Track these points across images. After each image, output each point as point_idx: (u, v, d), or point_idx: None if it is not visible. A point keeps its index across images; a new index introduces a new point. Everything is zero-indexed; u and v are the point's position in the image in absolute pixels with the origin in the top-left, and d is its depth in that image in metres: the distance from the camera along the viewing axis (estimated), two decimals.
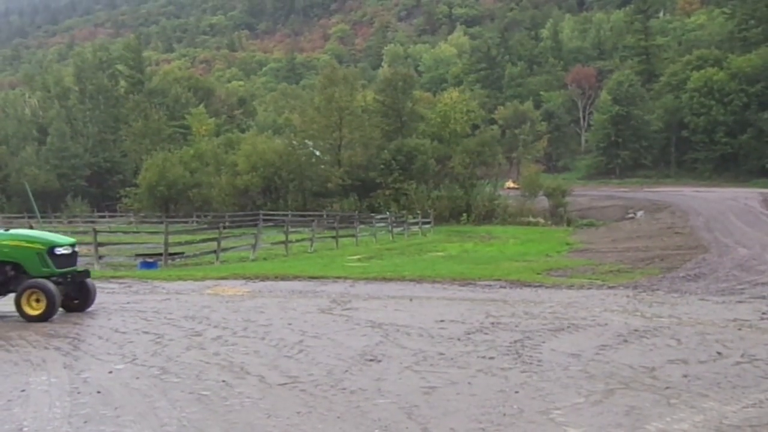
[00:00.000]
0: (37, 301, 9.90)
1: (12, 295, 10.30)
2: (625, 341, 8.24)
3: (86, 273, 11.01)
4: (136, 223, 50.45)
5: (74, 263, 10.85)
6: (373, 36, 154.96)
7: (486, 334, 8.72)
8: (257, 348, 8.03)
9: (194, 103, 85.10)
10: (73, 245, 10.91)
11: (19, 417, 5.52)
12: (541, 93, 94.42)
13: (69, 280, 10.56)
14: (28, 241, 10.52)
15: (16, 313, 10.04)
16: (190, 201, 55.39)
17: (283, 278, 15.61)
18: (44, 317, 9.80)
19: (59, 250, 10.50)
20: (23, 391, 6.26)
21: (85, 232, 25.02)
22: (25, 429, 5.25)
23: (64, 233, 14.04)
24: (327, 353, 7.68)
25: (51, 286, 9.99)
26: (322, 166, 53.70)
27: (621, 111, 78.74)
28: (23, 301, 9.93)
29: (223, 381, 6.53)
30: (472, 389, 6.21)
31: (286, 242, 26.00)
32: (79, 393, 6.18)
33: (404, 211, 45.25)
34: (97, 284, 14.06)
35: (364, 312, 10.40)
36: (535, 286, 13.81)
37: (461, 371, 6.83)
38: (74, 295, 10.67)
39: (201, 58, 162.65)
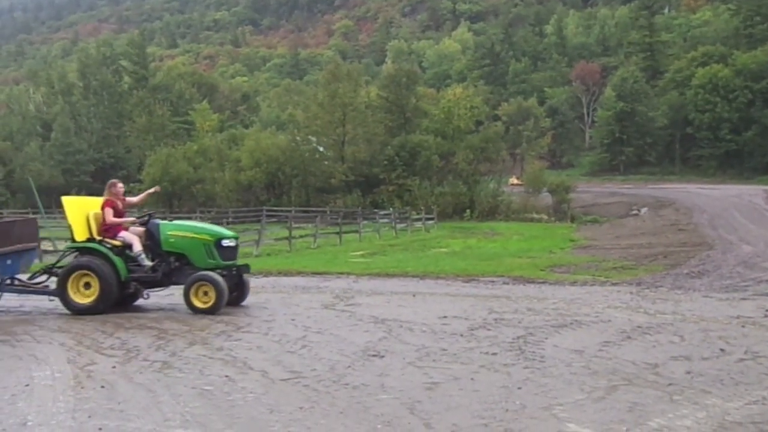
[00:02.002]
0: (205, 293, 9.85)
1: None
2: (628, 338, 8.24)
3: (247, 267, 10.90)
4: None
5: (236, 257, 10.75)
6: (377, 32, 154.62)
7: (489, 330, 8.73)
8: (260, 343, 8.04)
9: (198, 99, 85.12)
10: (236, 238, 10.81)
11: (23, 411, 5.54)
12: (545, 89, 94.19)
13: (234, 273, 10.48)
14: (195, 233, 10.46)
15: (15, 307, 10.06)
16: (194, 197, 55.43)
17: (287, 274, 15.65)
18: (212, 310, 9.74)
19: (226, 243, 10.42)
20: (27, 385, 6.28)
21: None
22: (30, 423, 5.27)
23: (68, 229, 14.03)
24: (330, 349, 7.69)
25: (220, 279, 9.91)
26: (326, 162, 53.68)
27: (625, 107, 78.51)
28: (192, 293, 9.88)
29: (226, 376, 6.55)
30: (475, 385, 6.22)
31: (289, 238, 26.02)
32: (83, 387, 6.20)
33: (408, 207, 45.22)
34: None
35: (367, 308, 10.42)
36: (539, 283, 13.82)
37: (464, 367, 6.84)
38: (233, 288, 10.49)
39: (205, 53, 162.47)
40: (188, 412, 5.48)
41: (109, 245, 10.26)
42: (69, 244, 10.99)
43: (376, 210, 42.50)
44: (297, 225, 29.66)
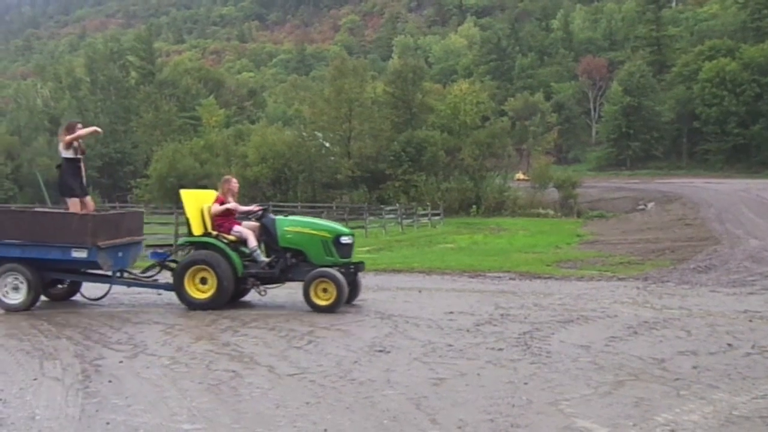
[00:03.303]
0: (324, 291, 9.69)
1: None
2: (635, 333, 8.24)
3: (362, 264, 10.68)
4: (146, 214, 50.57)
5: (352, 254, 10.54)
6: (383, 27, 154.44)
7: (495, 325, 8.73)
8: (267, 338, 8.06)
9: (204, 95, 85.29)
10: (353, 235, 10.66)
11: (31, 405, 5.57)
12: (552, 84, 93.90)
13: (351, 270, 10.25)
14: (313, 229, 10.29)
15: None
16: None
17: None
18: (333, 307, 9.57)
19: (344, 239, 10.24)
20: (35, 379, 6.32)
21: None
22: (38, 417, 5.30)
23: None
24: (336, 344, 7.71)
25: (340, 276, 9.72)
26: (332, 158, 53.68)
27: (632, 102, 78.23)
28: (311, 290, 9.74)
29: (233, 371, 6.57)
30: (481, 380, 6.23)
31: None
32: (90, 382, 6.23)
33: (414, 203, 45.20)
34: None
35: (373, 303, 10.44)
36: (545, 278, 13.81)
37: (470, 363, 6.85)
38: (348, 285, 10.14)
39: (211, 49, 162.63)
40: (195, 407, 5.50)
41: (225, 240, 10.13)
42: (184, 238, 10.89)
43: (382, 206, 42.47)
44: None
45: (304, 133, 54.68)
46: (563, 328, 8.51)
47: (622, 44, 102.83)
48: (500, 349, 7.41)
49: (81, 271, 10.67)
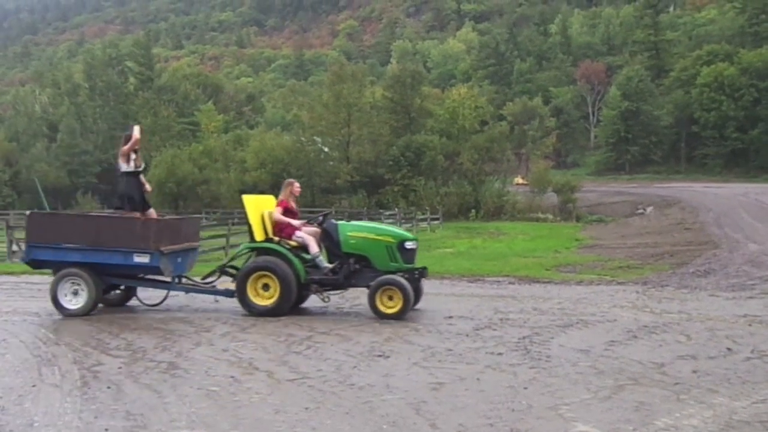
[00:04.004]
0: (390, 298, 9.50)
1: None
2: (635, 337, 8.23)
3: (425, 270, 10.44)
4: None
5: (415, 259, 10.32)
6: (382, 32, 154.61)
7: (494, 330, 8.73)
8: (266, 344, 8.06)
9: (203, 100, 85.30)
10: (416, 240, 10.49)
11: (30, 412, 5.55)
12: (550, 89, 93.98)
13: (416, 276, 10.09)
14: (377, 234, 10.10)
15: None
16: (199, 197, 55.49)
17: None
18: (399, 315, 9.38)
19: (408, 245, 10.05)
20: (34, 386, 6.30)
21: None
22: (36, 424, 5.28)
23: None
24: (335, 349, 7.70)
25: (406, 283, 9.53)
26: (331, 163, 53.67)
27: (630, 106, 78.32)
28: (377, 298, 9.53)
29: (232, 377, 6.56)
30: (481, 385, 6.22)
31: None
32: (89, 388, 6.21)
33: (413, 208, 45.17)
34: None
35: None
36: (544, 282, 13.81)
37: (470, 367, 6.84)
38: None
39: (210, 54, 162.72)
40: (194, 413, 5.49)
41: (287, 246, 10.01)
42: (246, 243, 10.74)
43: (381, 210, 42.46)
44: None
45: (303, 138, 54.70)
46: (563, 333, 8.51)
47: (621, 49, 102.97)
48: (500, 354, 7.41)
49: (139, 277, 10.57)
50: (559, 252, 22.71)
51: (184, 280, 10.63)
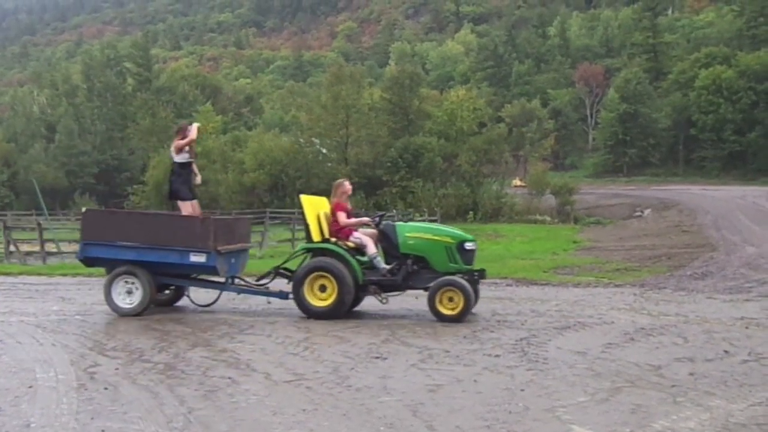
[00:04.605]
0: (450, 300, 9.34)
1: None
2: (632, 339, 8.24)
3: (484, 272, 10.22)
4: None
5: (473, 260, 10.11)
6: (380, 34, 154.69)
7: (492, 332, 8.73)
8: (263, 345, 8.05)
9: (201, 101, 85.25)
10: (476, 241, 10.35)
11: (26, 413, 5.54)
12: (549, 91, 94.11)
13: (475, 277, 9.90)
14: (436, 235, 9.96)
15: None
16: (198, 198, 55.45)
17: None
18: (460, 318, 9.25)
19: (468, 245, 9.90)
20: (30, 387, 6.29)
21: None
22: (33, 425, 5.27)
23: (72, 231, 14.08)
24: (333, 351, 7.70)
25: (467, 284, 9.40)
26: (329, 164, 53.67)
27: (629, 109, 78.46)
28: (437, 299, 9.37)
29: (230, 378, 6.55)
30: (478, 387, 6.22)
31: (292, 240, 26.04)
32: (86, 389, 6.20)
33: (411, 209, 45.18)
34: (105, 281, 14.11)
35: (369, 310, 10.42)
36: (542, 284, 13.82)
37: (467, 369, 6.84)
38: None
39: (208, 55, 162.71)
40: (191, 414, 5.48)
41: (345, 246, 9.88)
42: (302, 245, 10.63)
43: (379, 212, 42.41)
44: (300, 227, 29.63)
45: (301, 140, 54.73)
46: (560, 335, 8.51)
47: (619, 51, 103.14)
48: (497, 356, 7.41)
49: (192, 277, 10.47)
50: (556, 254, 22.72)
51: (237, 280, 10.51)
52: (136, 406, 5.72)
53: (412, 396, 5.92)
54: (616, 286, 13.51)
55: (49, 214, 39.86)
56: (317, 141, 54.61)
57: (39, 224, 23.73)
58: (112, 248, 9.93)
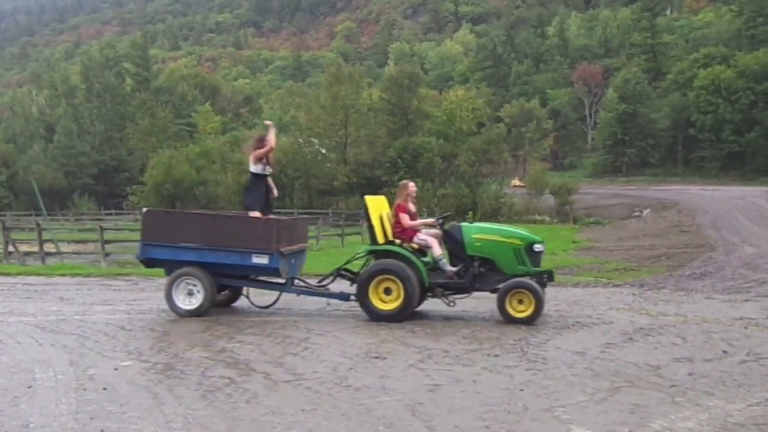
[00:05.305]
0: (520, 302, 9.21)
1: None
2: (631, 339, 8.24)
3: (552, 273, 9.99)
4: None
5: (540, 263, 9.93)
6: (379, 34, 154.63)
7: (491, 332, 8.74)
8: (262, 345, 8.05)
9: (200, 101, 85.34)
10: (544, 243, 10.03)
11: (25, 413, 5.54)
12: (548, 91, 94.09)
13: (544, 279, 9.70)
14: (504, 236, 9.75)
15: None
16: (197, 199, 55.47)
17: None
18: (530, 320, 9.10)
19: (537, 247, 9.68)
20: (30, 387, 6.29)
21: (91, 230, 25.11)
22: (32, 425, 5.27)
23: (71, 231, 14.06)
24: (332, 351, 7.70)
25: (538, 286, 9.26)
26: (328, 164, 53.76)
27: (627, 109, 78.44)
28: (507, 301, 9.24)
29: (229, 378, 6.55)
30: (477, 387, 6.22)
31: None
32: (85, 389, 6.20)
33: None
34: (104, 282, 14.13)
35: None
36: None
37: (466, 369, 6.84)
38: None
39: (207, 56, 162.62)
40: (190, 414, 5.48)
41: (410, 249, 9.73)
42: (366, 246, 10.44)
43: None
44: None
45: (300, 140, 54.76)
46: (559, 335, 8.52)
47: (618, 51, 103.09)
48: (496, 356, 7.41)
49: (251, 278, 10.38)
50: (555, 254, 22.68)
51: (296, 281, 10.41)
52: (134, 406, 5.72)
53: (411, 396, 5.92)
54: (615, 286, 13.51)
55: (48, 215, 39.83)
56: (316, 141, 54.66)
57: (38, 224, 23.69)
58: (173, 249, 9.85)
